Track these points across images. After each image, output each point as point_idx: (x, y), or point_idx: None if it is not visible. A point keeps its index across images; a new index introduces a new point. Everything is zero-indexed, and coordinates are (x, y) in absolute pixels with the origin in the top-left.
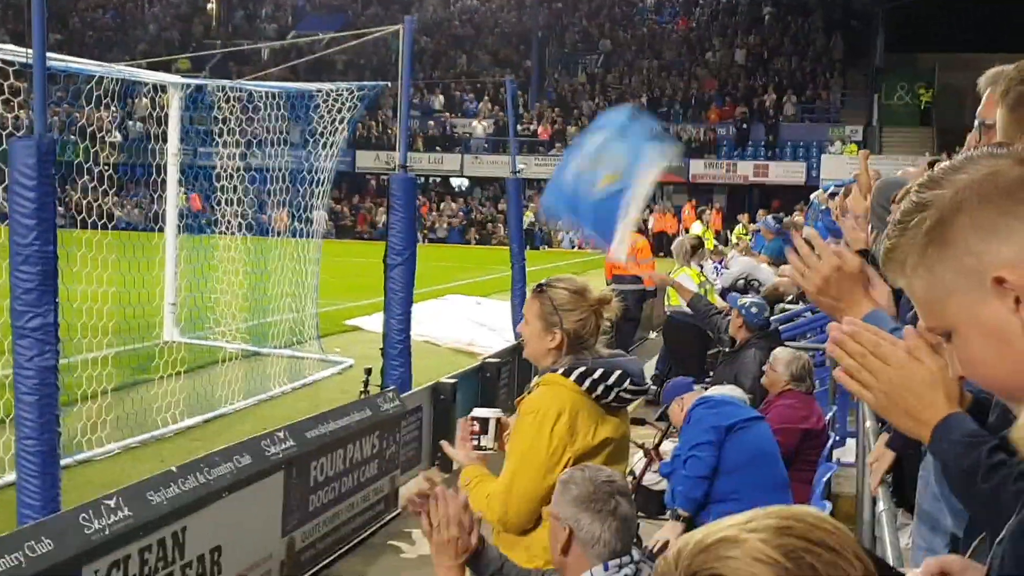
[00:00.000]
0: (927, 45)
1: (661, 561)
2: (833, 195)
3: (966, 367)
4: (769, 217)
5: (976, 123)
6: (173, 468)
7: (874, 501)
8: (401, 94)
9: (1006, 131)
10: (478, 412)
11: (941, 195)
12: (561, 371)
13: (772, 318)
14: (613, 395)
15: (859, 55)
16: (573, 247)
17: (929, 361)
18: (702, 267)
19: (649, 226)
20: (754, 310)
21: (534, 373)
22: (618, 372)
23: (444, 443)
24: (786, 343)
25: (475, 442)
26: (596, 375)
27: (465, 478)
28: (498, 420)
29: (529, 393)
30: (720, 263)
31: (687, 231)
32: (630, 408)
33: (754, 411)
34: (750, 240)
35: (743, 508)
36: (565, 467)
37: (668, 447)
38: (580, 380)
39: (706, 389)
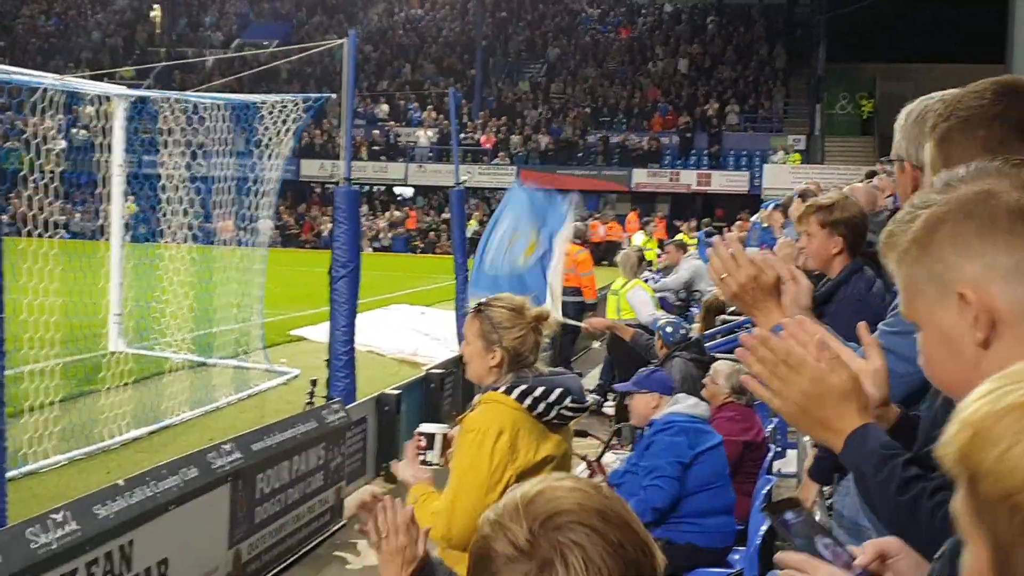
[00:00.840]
0: (868, 55)
1: (492, 517)
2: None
3: (923, 361)
4: (702, 232)
5: (894, 156)
6: (120, 481)
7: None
8: (344, 110)
9: (933, 165)
10: (425, 427)
11: (940, 200)
12: (502, 389)
13: (712, 330)
14: (554, 413)
15: (801, 65)
16: None
17: (842, 372)
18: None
19: (594, 235)
20: (669, 329)
21: (477, 387)
22: (559, 390)
23: (394, 462)
24: (723, 356)
25: (421, 457)
26: (537, 393)
27: (413, 495)
28: (444, 436)
29: (471, 411)
30: (656, 274)
31: (630, 241)
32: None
33: (716, 435)
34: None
35: (690, 530)
36: (507, 485)
37: (610, 459)
38: (521, 398)
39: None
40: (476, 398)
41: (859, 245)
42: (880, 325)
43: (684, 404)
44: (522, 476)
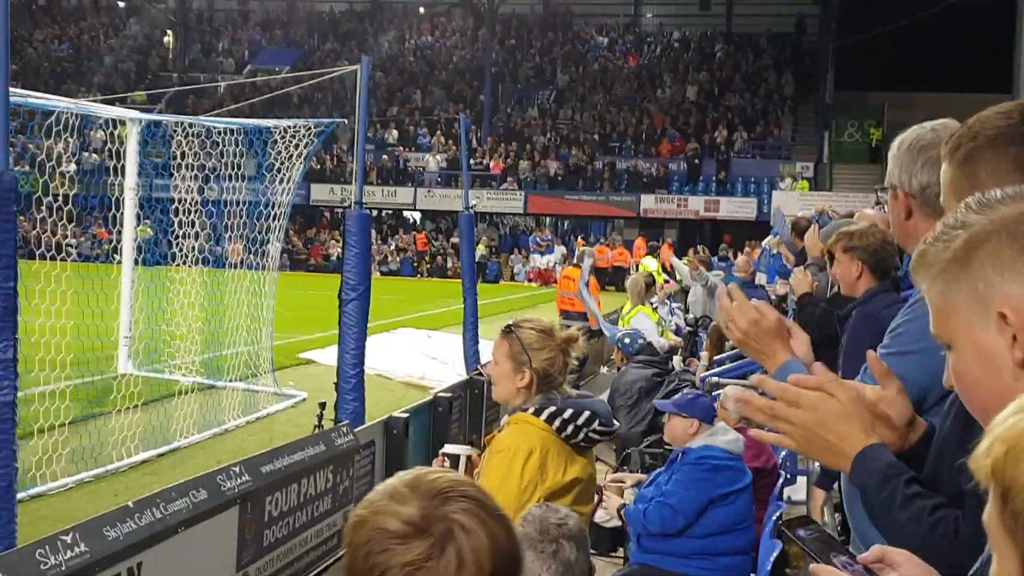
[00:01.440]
0: (876, 83)
1: (371, 508)
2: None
3: (955, 380)
4: (715, 258)
5: (887, 184)
6: (130, 503)
7: None
8: (357, 133)
9: (954, 185)
10: (449, 448)
11: (979, 220)
12: (531, 410)
13: (721, 355)
14: (582, 435)
15: (809, 93)
16: (528, 281)
17: (839, 394)
18: (656, 308)
19: (601, 261)
20: (627, 341)
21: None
22: (587, 412)
23: None
24: (732, 380)
25: None
26: (566, 415)
27: None
28: (468, 457)
29: (499, 432)
30: (672, 305)
31: (638, 266)
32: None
33: (747, 475)
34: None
35: (708, 567)
36: None
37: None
38: (550, 420)
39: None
40: (504, 419)
41: (882, 270)
42: (879, 348)
43: (723, 438)
44: (550, 498)
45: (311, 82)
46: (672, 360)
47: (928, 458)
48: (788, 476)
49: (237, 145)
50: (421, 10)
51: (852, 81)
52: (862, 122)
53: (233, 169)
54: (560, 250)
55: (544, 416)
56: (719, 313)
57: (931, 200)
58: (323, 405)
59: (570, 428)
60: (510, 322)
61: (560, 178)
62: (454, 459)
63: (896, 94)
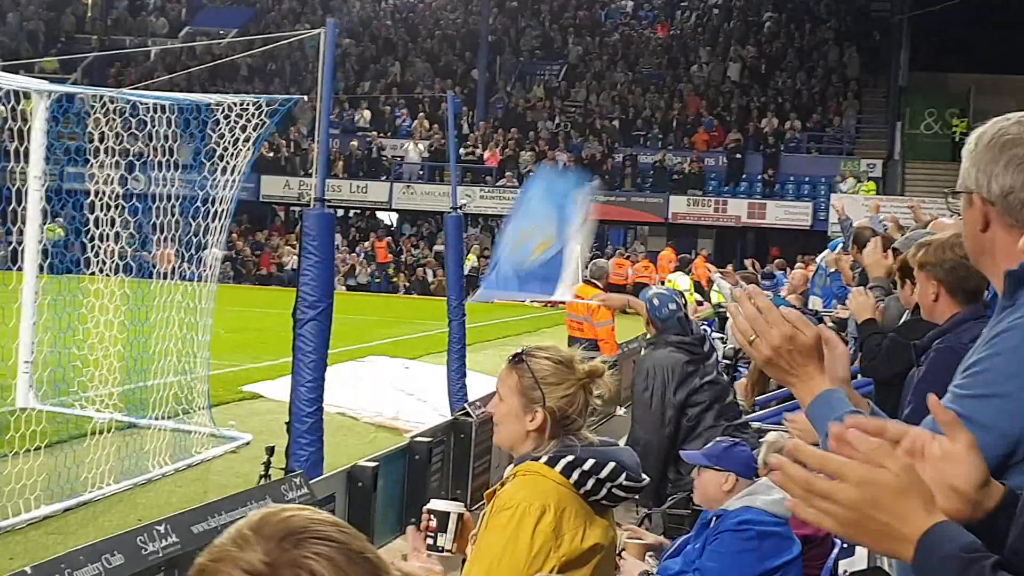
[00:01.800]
0: (961, 64)
1: (212, 555)
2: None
3: None
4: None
5: (961, 188)
6: (27, 569)
7: None
8: (320, 114)
9: None
10: (436, 504)
11: None
12: (544, 460)
13: (765, 396)
14: (604, 491)
15: (878, 73)
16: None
17: (891, 463)
18: None
19: (616, 276)
20: (656, 302)
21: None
22: (612, 464)
23: (397, 559)
24: (773, 425)
25: (431, 541)
26: (587, 466)
27: None
28: (460, 516)
29: (503, 485)
30: (711, 325)
31: (664, 283)
32: None
33: (795, 544)
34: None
35: None
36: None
37: None
38: (567, 471)
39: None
40: (508, 469)
41: (964, 292)
42: (951, 387)
43: (764, 498)
44: (565, 568)
45: (263, 48)
46: (706, 343)
47: (1012, 529)
48: (844, 546)
49: (170, 126)
50: None
51: (931, 60)
52: (943, 111)
53: (164, 156)
54: None
55: (560, 467)
56: (736, 324)
57: (1015, 208)
58: (271, 450)
59: (591, 482)
60: (521, 349)
61: (571, 173)
62: (442, 517)
63: (984, 76)
